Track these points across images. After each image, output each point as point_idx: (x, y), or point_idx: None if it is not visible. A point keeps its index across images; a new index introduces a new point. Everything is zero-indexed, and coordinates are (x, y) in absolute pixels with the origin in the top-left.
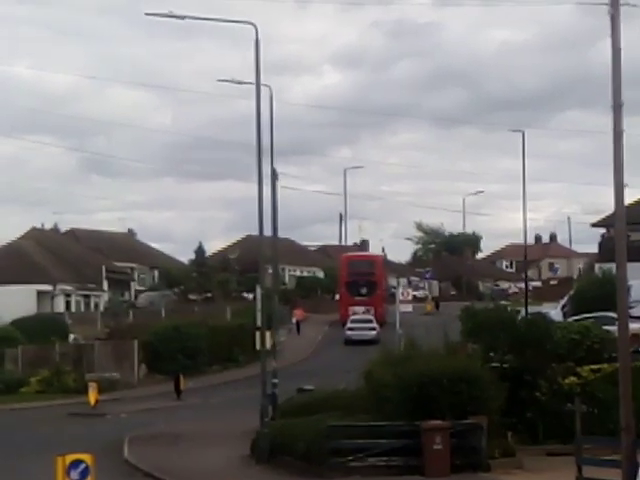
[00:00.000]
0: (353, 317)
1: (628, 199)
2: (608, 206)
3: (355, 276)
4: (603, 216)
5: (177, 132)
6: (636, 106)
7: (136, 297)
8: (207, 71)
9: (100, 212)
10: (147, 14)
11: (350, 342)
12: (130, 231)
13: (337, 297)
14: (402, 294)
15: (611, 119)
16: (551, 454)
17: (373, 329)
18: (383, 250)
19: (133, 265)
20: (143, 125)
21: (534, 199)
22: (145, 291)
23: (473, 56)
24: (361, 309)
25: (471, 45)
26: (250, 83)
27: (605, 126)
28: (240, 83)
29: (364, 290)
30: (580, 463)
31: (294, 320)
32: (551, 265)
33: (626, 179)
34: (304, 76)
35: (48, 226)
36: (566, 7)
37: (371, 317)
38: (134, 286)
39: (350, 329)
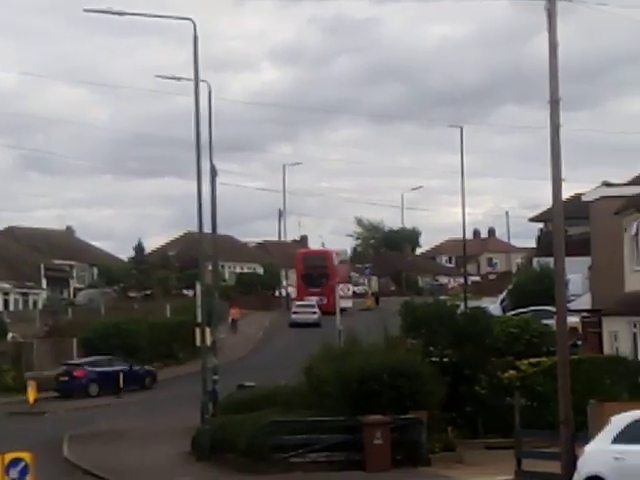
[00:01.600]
0: (298, 303)
1: (566, 193)
2: (546, 201)
3: (309, 269)
4: (541, 211)
5: (116, 129)
6: (573, 101)
7: (75, 295)
8: (147, 68)
9: (39, 210)
10: (85, 10)
11: (295, 324)
12: (69, 229)
13: (277, 293)
14: (342, 290)
15: (548, 114)
16: (491, 448)
17: (315, 313)
18: (323, 246)
19: (72, 263)
20: (82, 122)
21: (473, 194)
22: (84, 289)
23: (412, 52)
24: (315, 298)
25: (410, 41)
26: (188, 79)
27: (542, 121)
28: (178, 79)
29: (318, 282)
30: (519, 456)
31: (230, 319)
32: (490, 260)
33: (564, 173)
34: (243, 73)
35: None
36: (503, 3)
37: (314, 303)
38: (73, 284)
39: (295, 313)
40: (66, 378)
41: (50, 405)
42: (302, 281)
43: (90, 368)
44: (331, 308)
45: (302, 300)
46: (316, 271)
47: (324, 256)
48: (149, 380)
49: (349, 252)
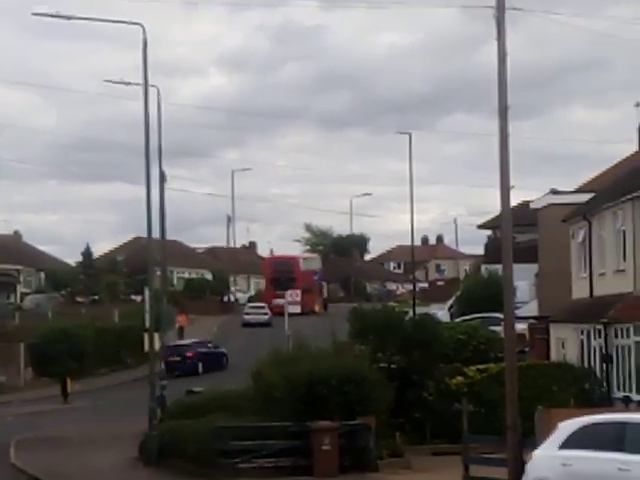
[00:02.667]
0: (250, 304)
1: (514, 201)
2: (494, 208)
3: (277, 274)
4: (489, 218)
5: (62, 133)
6: (521, 110)
7: (22, 299)
8: (96, 73)
9: None
10: (34, 14)
11: (247, 324)
12: (16, 233)
13: (226, 299)
14: (291, 295)
15: (497, 122)
16: (438, 453)
17: (265, 314)
18: (272, 252)
19: (19, 267)
20: (29, 126)
21: (421, 201)
22: (31, 293)
23: (360, 60)
24: (282, 301)
25: (358, 48)
26: (137, 84)
27: (490, 129)
28: (127, 84)
29: (285, 285)
30: (467, 462)
31: (177, 326)
32: (438, 266)
33: (512, 181)
34: (192, 78)
35: None
36: (452, 11)
37: (264, 305)
38: (20, 288)
39: (247, 314)
40: (178, 358)
41: None
42: (270, 285)
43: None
44: (305, 309)
45: (274, 303)
46: (283, 275)
47: (291, 262)
48: (225, 360)
49: (318, 259)
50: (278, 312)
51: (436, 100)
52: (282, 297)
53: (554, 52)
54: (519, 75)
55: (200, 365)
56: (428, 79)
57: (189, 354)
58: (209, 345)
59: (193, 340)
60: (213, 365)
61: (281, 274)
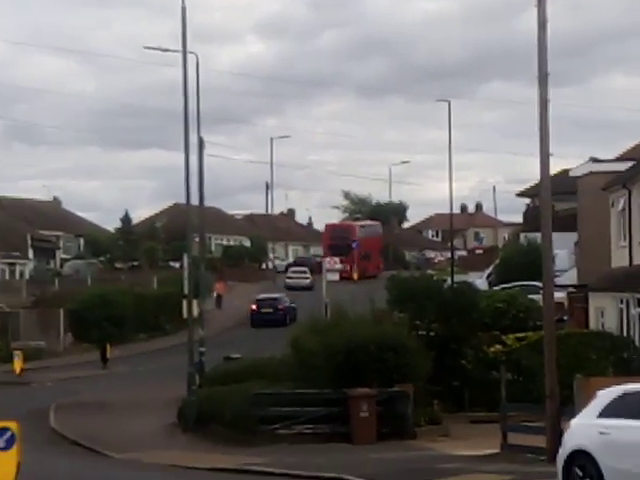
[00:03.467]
0: (292, 268)
1: (553, 169)
2: (532, 176)
3: (335, 240)
4: (528, 186)
5: (101, 100)
6: (560, 77)
7: (62, 265)
8: (134, 39)
9: (24, 180)
10: None
11: (289, 288)
12: (56, 199)
13: (264, 266)
14: (329, 263)
15: (535, 90)
16: (476, 421)
17: (307, 278)
18: (310, 219)
19: (59, 233)
20: (68, 92)
21: (459, 169)
22: (71, 259)
23: (398, 26)
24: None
25: (396, 15)
26: (177, 51)
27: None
28: (166, 51)
29: (342, 251)
30: (505, 430)
31: (215, 294)
32: (476, 234)
33: (551, 149)
34: (229, 45)
35: None
36: None
37: (306, 269)
38: (60, 254)
39: (289, 277)
40: (270, 310)
41: (37, 376)
42: (328, 250)
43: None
44: (353, 275)
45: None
46: (341, 242)
47: (348, 229)
48: (294, 314)
49: (379, 225)
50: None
51: (474, 68)
52: (340, 262)
53: (593, 19)
54: (558, 42)
55: (287, 317)
56: (466, 46)
57: (280, 307)
58: (286, 300)
59: (273, 295)
60: (291, 317)
61: (339, 240)
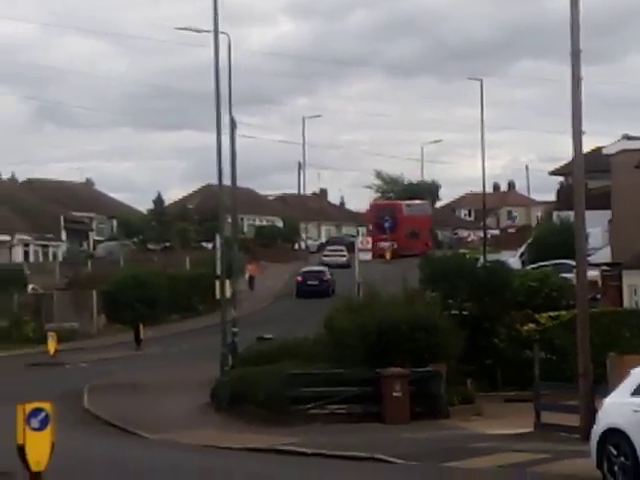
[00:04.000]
0: (329, 247)
1: (586, 147)
2: (565, 154)
3: (380, 219)
4: (561, 164)
5: (133, 81)
6: (591, 55)
7: (95, 247)
8: (163, 20)
9: (56, 162)
10: None
11: (326, 265)
12: (88, 181)
13: (296, 246)
14: (361, 242)
15: (567, 68)
16: (510, 400)
17: (343, 256)
18: (342, 199)
19: (91, 215)
20: (99, 74)
21: (491, 147)
22: (104, 241)
23: (427, 5)
24: (387, 244)
25: None
26: (208, 31)
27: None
28: (198, 31)
29: (387, 229)
30: (538, 409)
31: (247, 275)
32: (509, 213)
33: (584, 127)
34: (260, 26)
35: (5, 176)
36: None
37: (343, 247)
38: (92, 236)
39: (326, 255)
40: (316, 282)
41: (70, 357)
42: (374, 229)
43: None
44: (399, 252)
45: (378, 246)
46: (386, 220)
47: (393, 207)
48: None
49: (426, 204)
50: (380, 255)
51: (504, 46)
52: (384, 241)
53: None
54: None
55: (330, 288)
56: (495, 25)
57: (325, 279)
58: (329, 273)
59: (317, 268)
60: (333, 289)
61: (383, 219)
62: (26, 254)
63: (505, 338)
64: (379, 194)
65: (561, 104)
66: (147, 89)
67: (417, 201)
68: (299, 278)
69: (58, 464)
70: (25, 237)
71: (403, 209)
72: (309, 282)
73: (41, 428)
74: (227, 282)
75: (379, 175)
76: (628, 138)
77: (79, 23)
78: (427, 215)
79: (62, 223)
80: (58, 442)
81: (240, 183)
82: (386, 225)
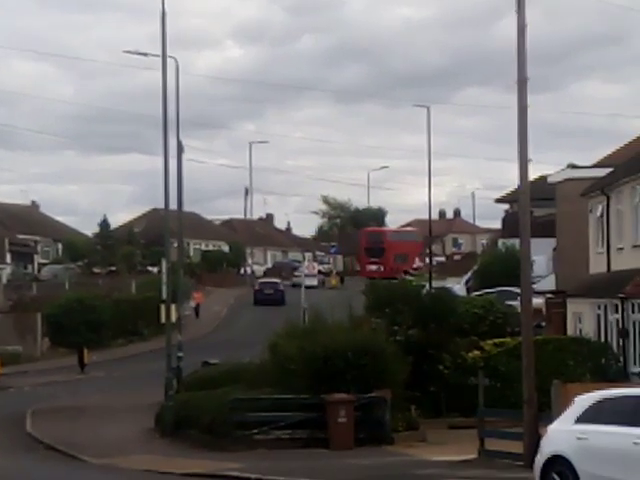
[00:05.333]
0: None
1: (531, 175)
2: (510, 182)
3: (371, 244)
4: (506, 192)
5: (80, 104)
6: (536, 84)
7: (39, 270)
8: (111, 44)
9: (2, 184)
10: None
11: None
12: (34, 203)
13: (242, 271)
14: (307, 268)
15: (512, 96)
16: (454, 427)
17: (315, 277)
18: (289, 224)
19: (36, 238)
20: (46, 97)
21: (437, 174)
22: (48, 264)
23: (376, 32)
24: (374, 267)
25: (373, 21)
26: (156, 55)
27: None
28: (146, 55)
29: (376, 254)
30: (482, 436)
31: (193, 304)
32: (455, 240)
33: (529, 155)
34: (207, 50)
35: None
36: None
37: (278, 281)
38: (37, 259)
39: (296, 276)
40: (272, 291)
41: (14, 380)
42: (364, 253)
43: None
44: (387, 275)
45: (367, 268)
46: (375, 245)
47: (382, 233)
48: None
49: (414, 233)
50: (370, 276)
51: (451, 74)
52: (374, 264)
53: (570, 26)
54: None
55: (284, 297)
56: (443, 53)
57: (279, 289)
58: (281, 284)
59: (272, 280)
60: (285, 299)
61: (372, 244)
62: None
63: (450, 365)
64: (325, 219)
65: (505, 132)
66: (94, 112)
67: (408, 229)
68: (257, 287)
69: None
70: None
71: (388, 235)
72: (265, 291)
73: None
74: (173, 306)
75: (326, 200)
76: (573, 167)
77: (26, 45)
78: (415, 241)
79: (7, 246)
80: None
81: (186, 207)
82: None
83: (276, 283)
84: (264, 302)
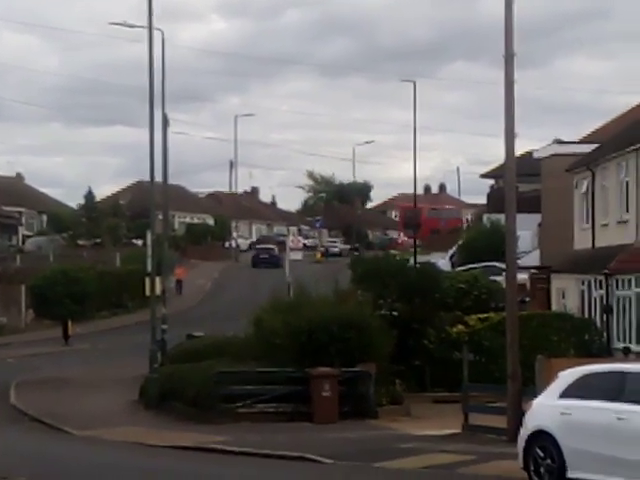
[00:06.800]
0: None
1: (517, 150)
2: (494, 157)
3: (407, 220)
4: (492, 167)
5: (66, 76)
6: (522, 59)
7: (24, 242)
8: (97, 16)
9: None
10: None
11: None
12: (18, 175)
13: (227, 244)
14: (292, 242)
15: (498, 71)
16: (438, 401)
17: (336, 247)
18: (274, 198)
19: (21, 209)
20: (32, 68)
21: (422, 149)
22: (33, 236)
23: (361, 6)
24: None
25: None
26: (142, 27)
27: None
28: (132, 27)
29: (412, 229)
30: (466, 410)
31: (175, 279)
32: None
33: (515, 129)
34: (192, 23)
35: None
36: None
37: (337, 240)
38: (22, 231)
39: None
40: (267, 256)
41: None
42: (403, 228)
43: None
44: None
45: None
46: (412, 221)
47: (419, 210)
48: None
49: (455, 209)
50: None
51: (437, 48)
52: (411, 237)
53: (557, 1)
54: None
55: (279, 260)
56: (429, 27)
57: (274, 254)
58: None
59: (268, 245)
60: (280, 262)
61: (409, 220)
62: None
63: (435, 339)
64: (310, 194)
65: (491, 107)
66: (79, 84)
67: (448, 206)
68: (254, 253)
69: None
70: None
71: (425, 212)
72: (261, 256)
73: None
74: (157, 279)
75: (311, 175)
76: (559, 142)
77: (12, 17)
78: (454, 218)
79: None
80: None
81: (171, 180)
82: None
83: (272, 249)
84: (261, 264)
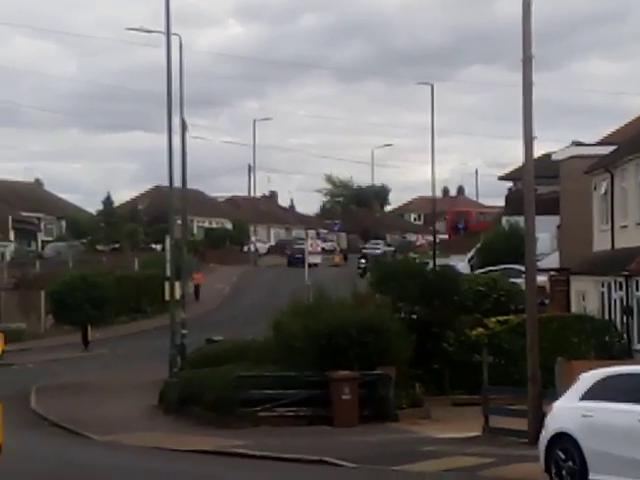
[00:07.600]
0: (371, 240)
1: (535, 152)
2: (512, 160)
3: (455, 223)
4: (510, 169)
5: (83, 82)
6: (539, 62)
7: (43, 247)
8: (109, 21)
9: (5, 162)
10: None
11: (365, 255)
12: (37, 181)
13: (245, 249)
14: (311, 246)
15: (515, 74)
16: (458, 404)
17: (378, 249)
18: (292, 202)
19: (40, 215)
20: (49, 74)
21: (440, 152)
22: (52, 241)
23: (377, 10)
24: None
25: None
26: (160, 32)
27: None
28: (149, 32)
29: (463, 232)
30: (487, 413)
31: (193, 284)
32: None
33: (534, 132)
34: (209, 28)
35: None
36: None
37: (380, 241)
38: (41, 236)
39: (364, 248)
40: (301, 255)
41: (18, 357)
42: (451, 231)
43: None
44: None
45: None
46: (459, 225)
47: (466, 214)
48: None
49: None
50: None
51: (453, 51)
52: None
53: (571, 3)
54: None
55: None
56: (446, 30)
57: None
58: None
59: (300, 246)
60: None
61: (457, 224)
62: None
63: (454, 342)
64: (328, 197)
65: (509, 110)
66: (96, 89)
67: (488, 209)
68: (289, 252)
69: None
70: None
71: (473, 215)
72: (296, 255)
73: None
74: (176, 284)
75: (329, 179)
76: (577, 144)
77: (29, 23)
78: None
79: (10, 223)
80: (5, 443)
81: (190, 185)
82: (459, 227)
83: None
84: (296, 263)
